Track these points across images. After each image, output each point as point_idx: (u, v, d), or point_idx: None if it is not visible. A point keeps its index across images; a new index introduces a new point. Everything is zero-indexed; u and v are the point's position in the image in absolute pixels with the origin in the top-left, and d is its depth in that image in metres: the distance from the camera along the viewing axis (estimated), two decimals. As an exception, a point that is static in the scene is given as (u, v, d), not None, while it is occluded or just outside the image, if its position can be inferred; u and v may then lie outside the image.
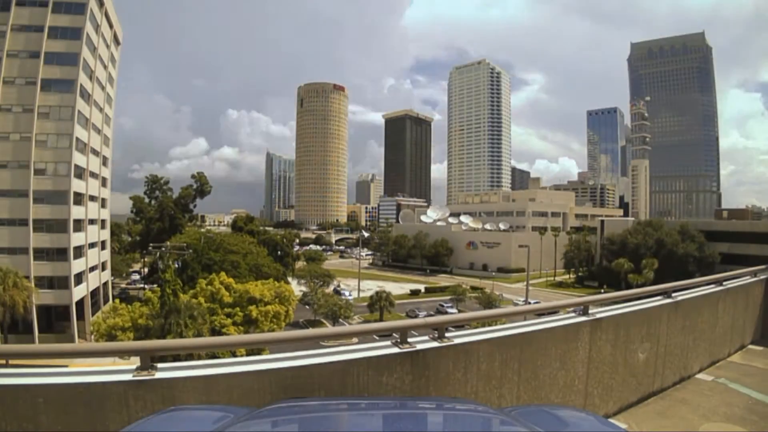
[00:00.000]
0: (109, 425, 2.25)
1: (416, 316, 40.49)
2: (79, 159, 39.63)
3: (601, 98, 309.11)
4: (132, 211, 59.73)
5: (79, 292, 38.57)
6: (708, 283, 5.80)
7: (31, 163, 36.47)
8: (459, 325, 4.85)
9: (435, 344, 3.02)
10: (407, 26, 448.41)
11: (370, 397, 2.67)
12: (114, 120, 51.64)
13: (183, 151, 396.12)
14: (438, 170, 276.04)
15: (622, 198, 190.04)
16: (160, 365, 2.51)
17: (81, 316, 38.29)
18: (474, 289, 52.79)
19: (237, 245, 43.43)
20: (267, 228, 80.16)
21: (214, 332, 25.96)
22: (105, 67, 46.17)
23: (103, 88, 46.06)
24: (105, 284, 46.99)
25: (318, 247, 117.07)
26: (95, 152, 44.16)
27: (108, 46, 46.84)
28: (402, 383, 2.83)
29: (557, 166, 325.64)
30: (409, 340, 3.00)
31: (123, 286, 59.36)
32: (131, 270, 66.59)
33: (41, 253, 36.79)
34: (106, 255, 48.21)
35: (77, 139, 39.11)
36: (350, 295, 52.85)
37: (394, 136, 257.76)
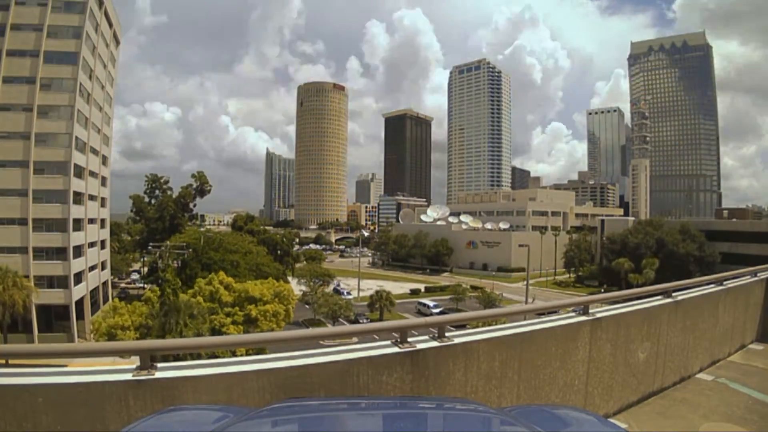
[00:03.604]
0: (109, 425, 2.25)
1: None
2: (78, 158, 39.62)
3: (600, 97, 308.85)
4: (132, 211, 59.73)
5: (78, 291, 38.57)
6: (708, 283, 5.81)
7: (31, 162, 36.47)
8: (459, 325, 4.84)
9: (435, 344, 3.02)
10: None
11: (370, 396, 2.67)
12: (113, 119, 51.71)
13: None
14: (438, 169, 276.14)
15: (622, 197, 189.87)
16: (160, 365, 2.51)
17: (81, 315, 38.29)
18: (474, 288, 52.81)
19: (237, 245, 43.45)
20: (267, 227, 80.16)
21: (214, 332, 25.99)
22: (105, 66, 46.16)
23: (102, 87, 46.05)
24: (105, 284, 47.00)
25: (318, 247, 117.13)
26: (95, 151, 44.15)
27: (108, 46, 46.82)
28: (402, 383, 2.83)
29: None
30: (409, 339, 3.00)
31: (123, 285, 59.37)
32: (131, 269, 66.61)
33: (41, 253, 36.79)
34: (105, 254, 48.22)
35: (77, 138, 39.10)
36: (350, 294, 52.86)
37: (394, 135, 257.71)
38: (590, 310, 4.04)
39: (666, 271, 46.89)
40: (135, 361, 2.50)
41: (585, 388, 3.86)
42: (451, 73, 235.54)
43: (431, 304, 47.11)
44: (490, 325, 3.86)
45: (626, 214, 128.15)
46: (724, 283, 5.94)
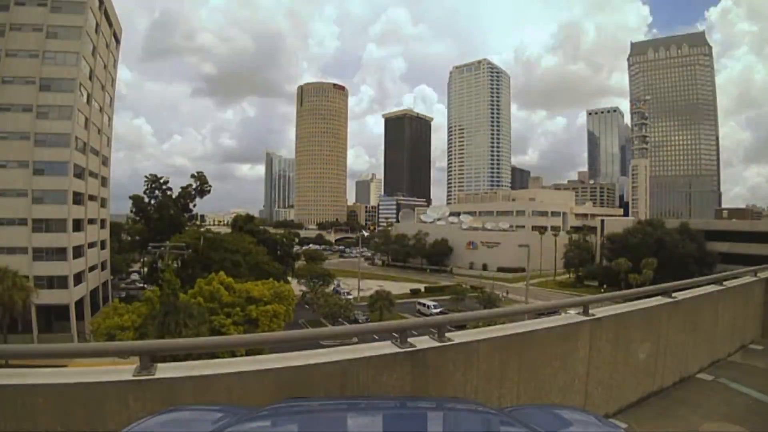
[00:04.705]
0: (109, 425, 2.24)
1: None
2: (78, 158, 39.62)
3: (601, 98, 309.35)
4: (132, 211, 59.69)
5: (78, 291, 38.57)
6: (708, 283, 5.81)
7: (31, 163, 36.46)
8: (459, 325, 4.84)
9: (435, 344, 3.02)
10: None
11: (370, 397, 2.67)
12: (114, 120, 51.77)
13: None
14: (438, 169, 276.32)
15: (622, 198, 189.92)
16: (160, 365, 2.51)
17: (81, 316, 38.29)
18: (474, 288, 52.81)
19: (237, 245, 43.44)
20: (267, 227, 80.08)
21: (214, 332, 25.95)
22: (105, 66, 46.16)
23: (103, 87, 46.05)
24: (105, 284, 46.97)
25: (318, 247, 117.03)
26: (95, 152, 44.15)
27: (108, 46, 46.82)
28: (402, 383, 2.83)
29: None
30: (409, 339, 3.00)
31: (123, 285, 59.32)
32: (131, 270, 66.52)
33: (40, 253, 36.79)
34: (105, 254, 48.20)
35: (77, 138, 39.09)
36: (350, 294, 52.86)
37: (394, 135, 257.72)
38: (590, 310, 4.04)
39: (666, 271, 46.83)
40: (135, 362, 2.50)
41: (585, 388, 3.86)
42: (451, 72, 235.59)
43: (431, 304, 47.06)
44: (490, 325, 3.86)
45: (626, 214, 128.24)
46: (724, 283, 5.94)
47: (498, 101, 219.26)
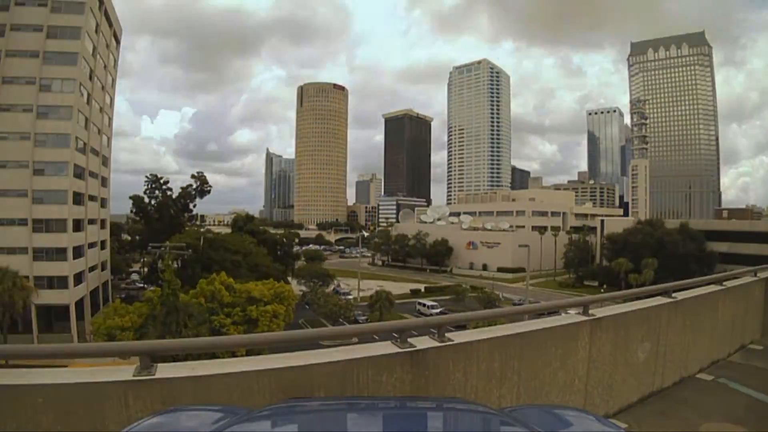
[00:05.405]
0: (109, 425, 2.24)
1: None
2: (78, 159, 39.62)
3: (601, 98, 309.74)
4: (132, 211, 59.68)
5: (78, 291, 38.55)
6: (708, 283, 5.81)
7: (31, 163, 36.46)
8: (459, 325, 4.85)
9: (435, 344, 3.02)
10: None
11: (370, 397, 2.67)
12: (114, 120, 51.78)
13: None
14: (438, 170, 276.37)
15: (622, 198, 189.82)
16: (160, 365, 2.51)
17: (81, 316, 38.26)
18: (474, 288, 52.81)
19: (237, 245, 43.41)
20: (267, 227, 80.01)
21: (214, 332, 25.95)
22: (105, 67, 46.16)
23: (103, 87, 46.06)
24: (105, 284, 46.96)
25: (318, 247, 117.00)
26: (95, 152, 44.15)
27: (108, 46, 46.82)
28: (402, 383, 2.82)
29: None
30: (409, 339, 3.00)
31: (123, 286, 59.31)
32: (131, 270, 66.52)
33: (41, 253, 36.77)
34: (105, 255, 48.20)
35: (77, 138, 39.09)
36: (350, 294, 52.84)
37: (394, 135, 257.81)
38: (590, 310, 4.04)
39: (666, 271, 46.86)
40: (135, 362, 2.49)
41: (585, 388, 3.86)
42: (451, 72, 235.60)
43: (431, 304, 47.08)
44: (490, 325, 3.85)
45: (626, 214, 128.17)
46: (724, 283, 5.95)
47: (498, 101, 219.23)
